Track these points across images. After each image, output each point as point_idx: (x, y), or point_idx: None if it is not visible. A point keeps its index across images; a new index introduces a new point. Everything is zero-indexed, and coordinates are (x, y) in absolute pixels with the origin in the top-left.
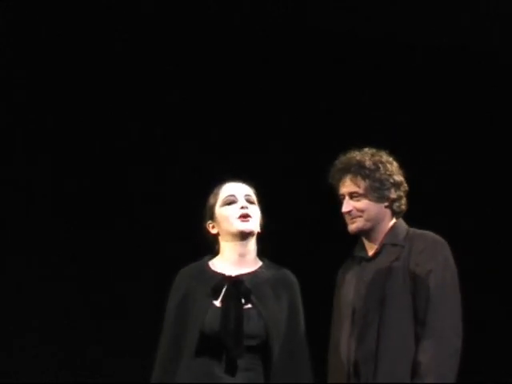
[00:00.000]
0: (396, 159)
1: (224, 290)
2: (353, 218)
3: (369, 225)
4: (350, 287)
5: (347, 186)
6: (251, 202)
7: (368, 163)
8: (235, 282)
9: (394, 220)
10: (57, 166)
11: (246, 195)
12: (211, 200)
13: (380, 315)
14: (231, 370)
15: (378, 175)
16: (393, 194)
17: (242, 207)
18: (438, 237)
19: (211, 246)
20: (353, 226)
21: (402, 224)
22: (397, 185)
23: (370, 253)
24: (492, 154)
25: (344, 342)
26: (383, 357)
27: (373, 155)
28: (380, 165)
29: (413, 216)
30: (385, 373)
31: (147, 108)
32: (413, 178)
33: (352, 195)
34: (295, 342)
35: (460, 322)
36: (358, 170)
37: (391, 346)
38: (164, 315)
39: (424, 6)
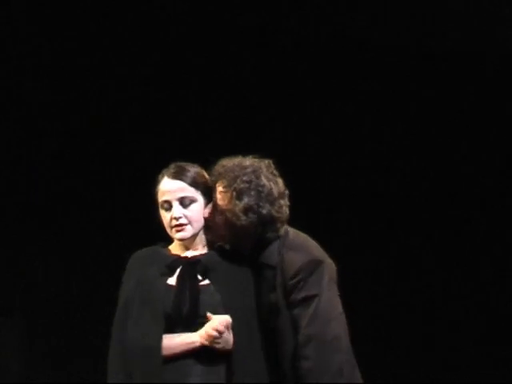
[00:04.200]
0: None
1: (179, 270)
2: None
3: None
4: None
5: (216, 190)
6: (188, 204)
7: (228, 168)
8: (190, 262)
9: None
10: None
11: (181, 198)
12: (156, 190)
13: None
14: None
15: (238, 181)
16: (265, 206)
17: (175, 218)
18: (309, 247)
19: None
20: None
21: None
22: (263, 192)
23: None
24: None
25: None
26: None
27: (235, 160)
28: (240, 170)
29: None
30: None
31: None
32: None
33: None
34: (251, 318)
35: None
36: (221, 174)
37: None
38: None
39: None
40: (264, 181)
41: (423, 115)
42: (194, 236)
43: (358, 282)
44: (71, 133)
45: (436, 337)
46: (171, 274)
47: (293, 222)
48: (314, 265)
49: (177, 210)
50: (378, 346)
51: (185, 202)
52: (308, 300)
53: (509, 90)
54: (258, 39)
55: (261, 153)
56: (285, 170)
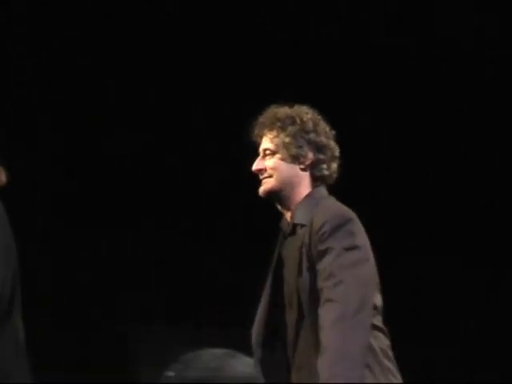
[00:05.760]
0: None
1: None
2: (263, 179)
3: (279, 188)
4: (272, 266)
5: (262, 142)
6: None
7: (282, 115)
8: None
9: (313, 187)
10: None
11: None
12: None
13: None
14: None
15: (291, 129)
16: (310, 155)
17: None
18: (341, 209)
19: None
20: (261, 188)
21: (320, 192)
22: (317, 146)
23: (289, 226)
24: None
25: (255, 325)
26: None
27: (292, 109)
28: (297, 119)
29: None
30: None
31: None
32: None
33: (265, 152)
34: None
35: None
36: (272, 123)
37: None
38: None
39: None
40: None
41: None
42: None
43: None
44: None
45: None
46: None
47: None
48: (341, 218)
49: None
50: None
51: None
52: (330, 251)
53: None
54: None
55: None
56: None
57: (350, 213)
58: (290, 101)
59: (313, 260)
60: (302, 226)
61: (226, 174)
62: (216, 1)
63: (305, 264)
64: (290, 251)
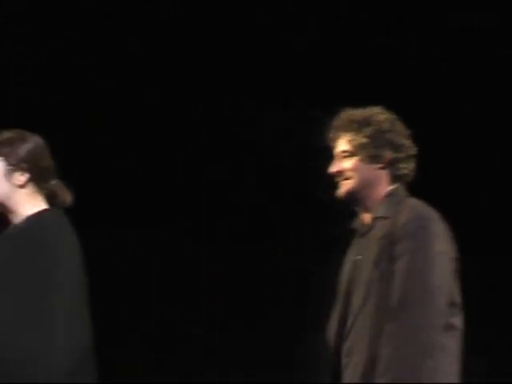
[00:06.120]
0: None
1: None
2: (342, 181)
3: (358, 189)
4: (347, 265)
5: (338, 145)
6: None
7: (357, 117)
8: None
9: (393, 186)
10: None
11: None
12: None
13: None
14: None
15: (367, 130)
16: (388, 154)
17: None
18: (427, 209)
19: None
20: (340, 190)
21: (400, 191)
22: (394, 145)
23: (366, 225)
24: None
25: (331, 324)
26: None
27: (366, 110)
28: (372, 119)
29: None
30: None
31: None
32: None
33: (342, 154)
34: None
35: (437, 314)
36: (348, 125)
37: (358, 341)
38: None
39: None
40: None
41: None
42: None
43: None
44: None
45: None
46: None
47: None
48: (425, 219)
49: None
50: None
51: None
52: (409, 252)
53: None
54: None
55: None
56: None
57: (434, 214)
58: (290, 101)
59: (390, 254)
60: (384, 219)
61: (226, 174)
62: (216, 1)
63: (381, 256)
64: (369, 245)
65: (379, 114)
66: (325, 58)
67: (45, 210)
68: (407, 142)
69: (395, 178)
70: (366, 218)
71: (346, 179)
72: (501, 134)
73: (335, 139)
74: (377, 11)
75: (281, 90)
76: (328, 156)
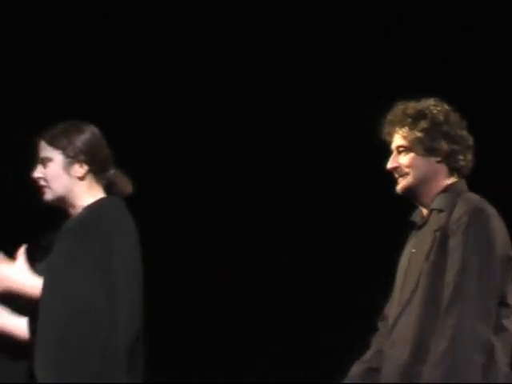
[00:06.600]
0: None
1: None
2: (400, 177)
3: (417, 184)
4: (404, 258)
5: (394, 140)
6: (43, 165)
7: (411, 111)
8: None
9: (452, 179)
10: None
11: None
12: None
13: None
14: None
15: (422, 124)
16: (444, 147)
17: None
18: (484, 205)
19: None
20: (398, 186)
21: (460, 185)
22: (451, 137)
23: (425, 217)
24: None
25: (390, 314)
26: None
27: (420, 103)
28: (427, 112)
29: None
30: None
31: None
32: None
33: (399, 149)
34: None
35: (489, 314)
36: (403, 119)
37: (403, 332)
38: None
39: None
40: None
41: None
42: None
43: None
44: None
45: None
46: None
47: None
48: (480, 213)
49: None
50: None
51: None
52: (462, 247)
53: None
54: None
55: None
56: None
57: (491, 209)
58: (290, 101)
59: (444, 247)
60: (440, 211)
61: (231, 175)
62: (216, 1)
63: (435, 248)
64: (424, 237)
65: (433, 106)
66: (325, 58)
67: (102, 199)
68: (464, 133)
69: (453, 171)
70: (425, 211)
71: (405, 175)
72: (501, 134)
73: (390, 134)
74: (377, 11)
75: (281, 90)
76: (385, 152)
